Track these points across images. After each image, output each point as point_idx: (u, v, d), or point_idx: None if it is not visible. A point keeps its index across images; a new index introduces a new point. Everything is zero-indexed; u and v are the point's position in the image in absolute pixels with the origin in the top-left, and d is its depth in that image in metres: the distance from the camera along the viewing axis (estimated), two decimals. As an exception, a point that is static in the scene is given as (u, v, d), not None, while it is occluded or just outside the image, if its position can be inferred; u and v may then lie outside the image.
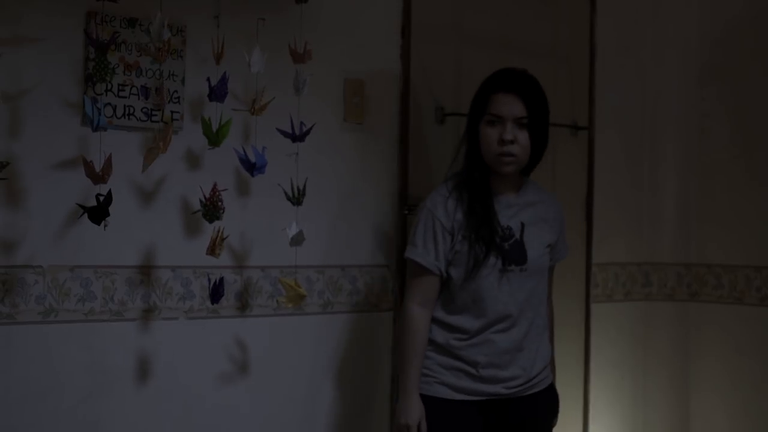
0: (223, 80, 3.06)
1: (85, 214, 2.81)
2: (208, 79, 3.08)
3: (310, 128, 3.26)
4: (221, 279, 3.13)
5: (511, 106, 2.93)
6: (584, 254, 4.28)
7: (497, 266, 2.95)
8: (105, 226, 2.84)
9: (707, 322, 4.44)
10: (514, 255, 2.97)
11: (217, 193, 3.09)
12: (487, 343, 2.98)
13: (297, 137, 3.25)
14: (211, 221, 3.08)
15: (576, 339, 4.25)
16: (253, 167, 3.12)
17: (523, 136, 2.94)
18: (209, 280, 3.14)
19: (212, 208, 3.09)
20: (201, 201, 3.09)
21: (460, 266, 2.96)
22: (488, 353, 2.98)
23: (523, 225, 3.00)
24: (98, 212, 2.81)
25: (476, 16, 3.90)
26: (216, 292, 3.11)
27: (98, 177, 2.80)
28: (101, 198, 2.81)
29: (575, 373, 4.25)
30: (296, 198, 3.26)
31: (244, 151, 3.13)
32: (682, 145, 4.53)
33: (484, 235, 2.92)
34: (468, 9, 3.89)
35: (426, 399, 2.97)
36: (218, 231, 3.07)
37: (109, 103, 2.99)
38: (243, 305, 3.30)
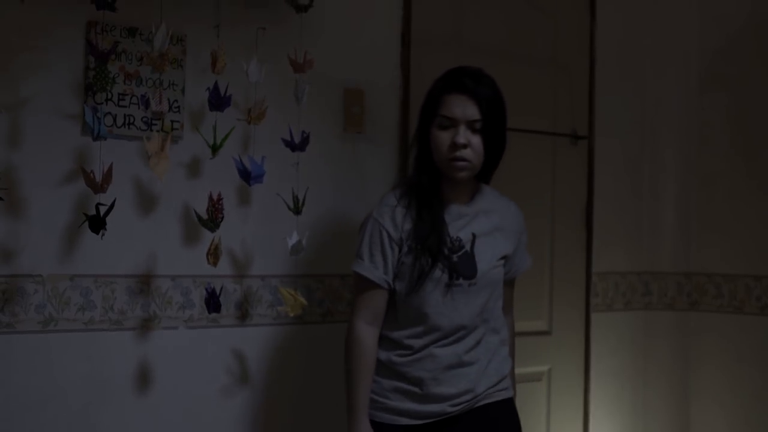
0: (216, 90, 3.07)
1: (86, 223, 2.82)
2: (209, 89, 3.09)
3: (307, 137, 3.26)
4: (213, 289, 3.12)
5: (464, 107, 2.71)
6: (584, 263, 4.28)
7: (443, 280, 2.73)
8: (102, 235, 2.84)
9: (707, 331, 4.44)
10: (463, 268, 2.75)
11: (217, 203, 3.09)
12: (429, 358, 2.76)
13: (296, 146, 3.25)
14: (212, 230, 3.09)
15: (576, 348, 4.25)
16: (249, 176, 3.12)
17: (477, 141, 2.71)
18: (209, 289, 3.13)
19: (211, 218, 3.09)
20: (195, 212, 3.10)
21: (404, 279, 2.76)
22: (431, 368, 2.76)
23: (474, 236, 2.78)
24: (97, 222, 2.81)
25: (476, 25, 3.91)
26: (209, 303, 3.11)
27: (98, 186, 2.81)
28: (102, 207, 2.81)
29: (575, 382, 4.25)
30: (297, 207, 3.26)
31: (241, 161, 3.13)
32: (682, 154, 4.53)
33: (431, 246, 2.71)
34: (468, 18, 3.89)
35: (372, 424, 2.78)
36: (213, 240, 3.08)
37: (109, 113, 2.99)
38: (243, 314, 3.29)
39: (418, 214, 2.75)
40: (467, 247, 2.77)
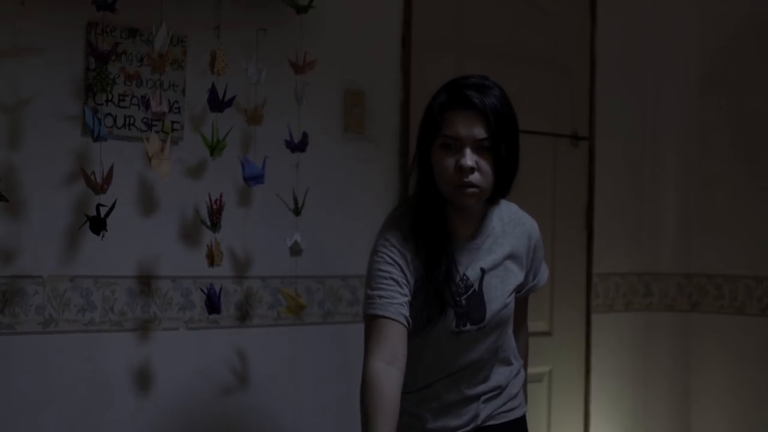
0: (214, 92, 3.06)
1: (87, 224, 2.82)
2: (209, 90, 3.08)
3: (305, 136, 3.26)
4: (213, 290, 3.12)
5: (469, 125, 2.32)
6: (585, 264, 4.28)
7: (450, 327, 2.41)
8: (103, 236, 2.84)
9: (708, 332, 4.43)
10: (471, 311, 2.42)
11: (217, 204, 3.09)
12: (431, 396, 2.49)
13: (297, 147, 3.25)
14: (212, 231, 3.09)
15: (577, 349, 4.25)
16: (249, 177, 3.13)
17: (486, 162, 2.33)
18: (206, 290, 3.13)
19: (211, 219, 3.09)
20: (197, 212, 3.10)
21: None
22: (433, 406, 2.49)
23: (483, 271, 2.44)
24: (97, 223, 2.81)
25: (476, 27, 3.91)
26: (209, 304, 3.11)
27: (98, 187, 2.80)
28: (102, 208, 2.81)
29: (576, 383, 4.25)
30: (297, 208, 3.26)
31: (242, 162, 3.13)
32: (683, 155, 4.53)
33: (440, 291, 2.38)
34: (468, 20, 3.89)
35: None
36: (213, 241, 3.08)
37: (110, 114, 2.99)
38: (243, 315, 3.29)
39: (426, 252, 2.39)
40: (475, 285, 2.44)
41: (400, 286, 2.33)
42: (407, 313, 2.32)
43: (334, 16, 3.48)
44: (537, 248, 2.58)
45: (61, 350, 2.95)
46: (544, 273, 2.64)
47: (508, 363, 2.56)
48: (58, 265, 2.94)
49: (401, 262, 2.36)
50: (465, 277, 2.43)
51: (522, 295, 2.61)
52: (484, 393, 2.50)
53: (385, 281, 2.34)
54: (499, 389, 2.53)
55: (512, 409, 2.56)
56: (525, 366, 2.70)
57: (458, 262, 2.43)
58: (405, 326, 2.30)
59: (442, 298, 2.38)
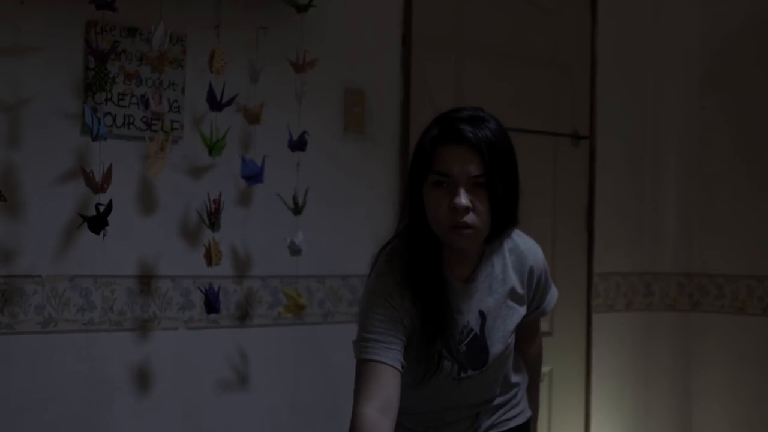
0: (211, 91, 3.06)
1: (85, 224, 2.81)
2: (209, 89, 3.08)
3: (303, 134, 3.25)
4: (212, 290, 3.11)
5: (462, 162, 2.14)
6: (585, 264, 4.28)
7: (451, 375, 2.28)
8: (104, 235, 2.83)
9: (709, 332, 4.43)
10: (472, 359, 2.29)
11: (217, 203, 3.09)
12: (431, 420, 2.38)
13: (297, 146, 3.25)
14: (212, 230, 3.08)
15: (577, 349, 4.24)
16: (248, 177, 3.12)
17: (481, 200, 2.15)
18: (204, 290, 3.12)
19: (211, 218, 3.09)
20: (197, 212, 3.09)
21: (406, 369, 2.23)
22: (434, 425, 2.39)
23: (483, 315, 2.29)
24: (97, 222, 2.80)
25: (477, 25, 3.90)
26: (209, 303, 3.10)
27: (98, 187, 2.80)
28: (101, 207, 2.81)
29: (577, 383, 4.24)
30: (297, 208, 3.26)
31: (242, 161, 3.13)
32: (684, 154, 4.52)
33: (437, 343, 2.23)
34: (468, 19, 3.89)
35: None
36: (213, 240, 3.07)
37: (109, 113, 2.99)
38: (243, 315, 3.29)
39: (421, 299, 2.23)
40: (476, 329, 2.30)
41: (397, 329, 2.18)
42: (402, 360, 2.17)
43: (335, 15, 3.47)
44: (540, 281, 2.41)
45: (61, 350, 2.95)
46: (551, 299, 2.48)
47: (512, 386, 2.45)
48: (58, 264, 2.93)
49: (396, 304, 2.20)
50: (466, 324, 2.28)
51: (528, 320, 2.43)
52: (486, 409, 2.41)
53: (380, 324, 2.18)
54: (500, 405, 2.43)
55: (515, 417, 2.47)
56: (537, 377, 2.58)
57: (456, 308, 2.26)
58: (400, 372, 2.16)
59: (438, 349, 2.23)
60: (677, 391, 4.48)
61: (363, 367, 2.16)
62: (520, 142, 3.79)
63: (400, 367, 2.16)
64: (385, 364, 2.14)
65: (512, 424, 2.45)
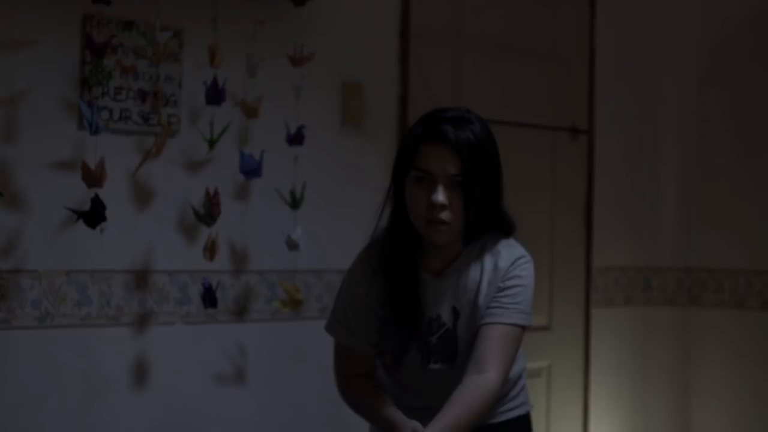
0: (215, 84, 3.05)
1: (83, 218, 2.80)
2: (206, 83, 3.07)
3: (300, 129, 3.24)
4: (209, 285, 3.11)
5: (442, 161, 2.22)
6: (584, 258, 4.27)
7: (416, 362, 2.35)
8: (102, 230, 2.83)
9: (708, 326, 4.42)
10: (441, 352, 2.34)
11: (214, 197, 3.08)
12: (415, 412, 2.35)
13: (294, 140, 3.24)
14: (209, 225, 3.08)
15: (576, 344, 4.24)
16: (246, 171, 3.12)
17: (458, 200, 2.23)
18: (203, 284, 3.12)
19: (208, 212, 3.08)
20: (193, 207, 3.09)
21: (382, 349, 2.39)
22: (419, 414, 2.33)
23: (456, 312, 2.33)
24: (94, 216, 2.80)
25: (475, 19, 3.89)
26: (206, 298, 3.10)
27: (94, 181, 2.79)
28: (97, 202, 2.80)
29: (575, 377, 4.24)
30: (295, 202, 3.25)
31: (240, 155, 3.12)
32: (682, 149, 4.51)
33: (405, 328, 2.32)
34: (467, 12, 3.88)
35: None
36: (210, 235, 3.07)
37: (106, 107, 2.98)
38: (241, 310, 3.28)
39: (393, 288, 2.33)
40: (449, 324, 2.34)
41: (368, 319, 2.37)
42: (373, 341, 2.38)
43: (332, 9, 3.46)
44: (505, 284, 2.32)
45: (58, 345, 2.94)
46: (504, 314, 2.29)
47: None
48: (54, 259, 2.93)
49: (365, 290, 2.36)
50: (437, 317, 2.35)
51: (481, 334, 2.29)
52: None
53: (351, 311, 2.39)
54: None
55: (511, 409, 2.47)
56: (463, 415, 2.21)
57: (424, 299, 2.34)
58: (371, 353, 2.40)
59: (404, 334, 2.34)
60: (676, 385, 4.47)
61: (338, 347, 2.46)
62: (519, 137, 3.75)
63: (370, 350, 2.39)
64: (356, 351, 2.40)
65: (510, 415, 2.46)
